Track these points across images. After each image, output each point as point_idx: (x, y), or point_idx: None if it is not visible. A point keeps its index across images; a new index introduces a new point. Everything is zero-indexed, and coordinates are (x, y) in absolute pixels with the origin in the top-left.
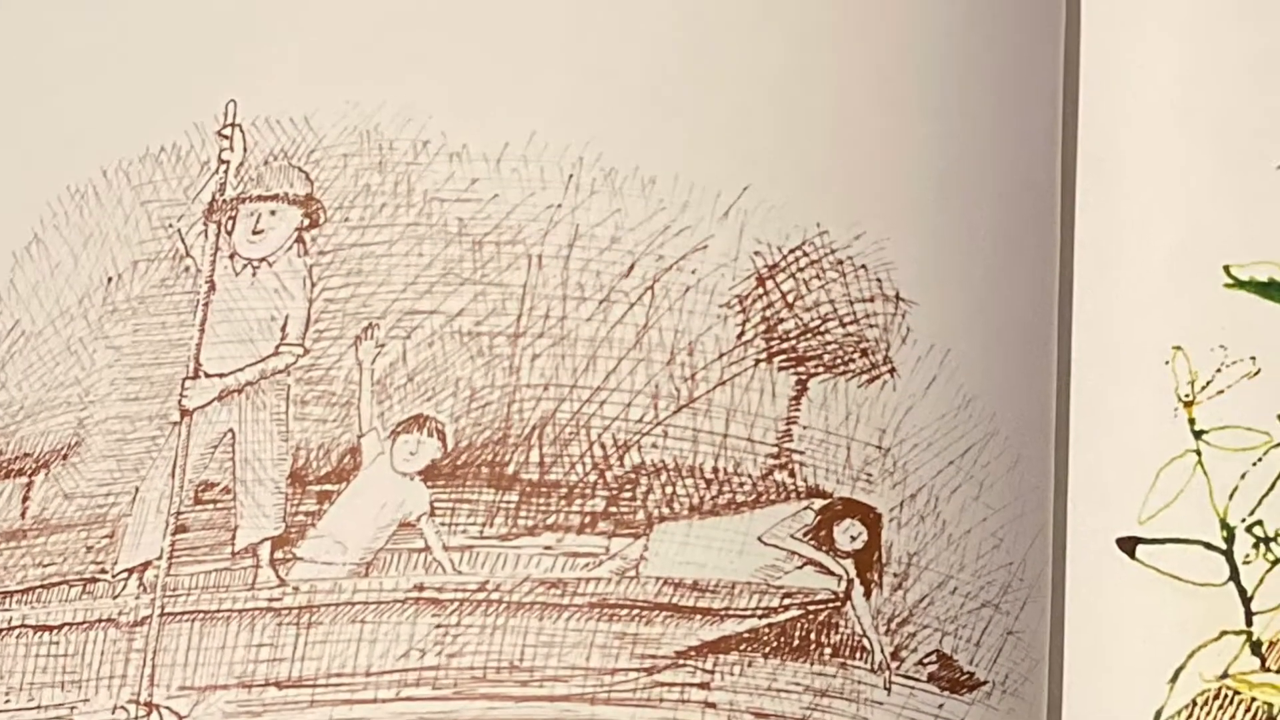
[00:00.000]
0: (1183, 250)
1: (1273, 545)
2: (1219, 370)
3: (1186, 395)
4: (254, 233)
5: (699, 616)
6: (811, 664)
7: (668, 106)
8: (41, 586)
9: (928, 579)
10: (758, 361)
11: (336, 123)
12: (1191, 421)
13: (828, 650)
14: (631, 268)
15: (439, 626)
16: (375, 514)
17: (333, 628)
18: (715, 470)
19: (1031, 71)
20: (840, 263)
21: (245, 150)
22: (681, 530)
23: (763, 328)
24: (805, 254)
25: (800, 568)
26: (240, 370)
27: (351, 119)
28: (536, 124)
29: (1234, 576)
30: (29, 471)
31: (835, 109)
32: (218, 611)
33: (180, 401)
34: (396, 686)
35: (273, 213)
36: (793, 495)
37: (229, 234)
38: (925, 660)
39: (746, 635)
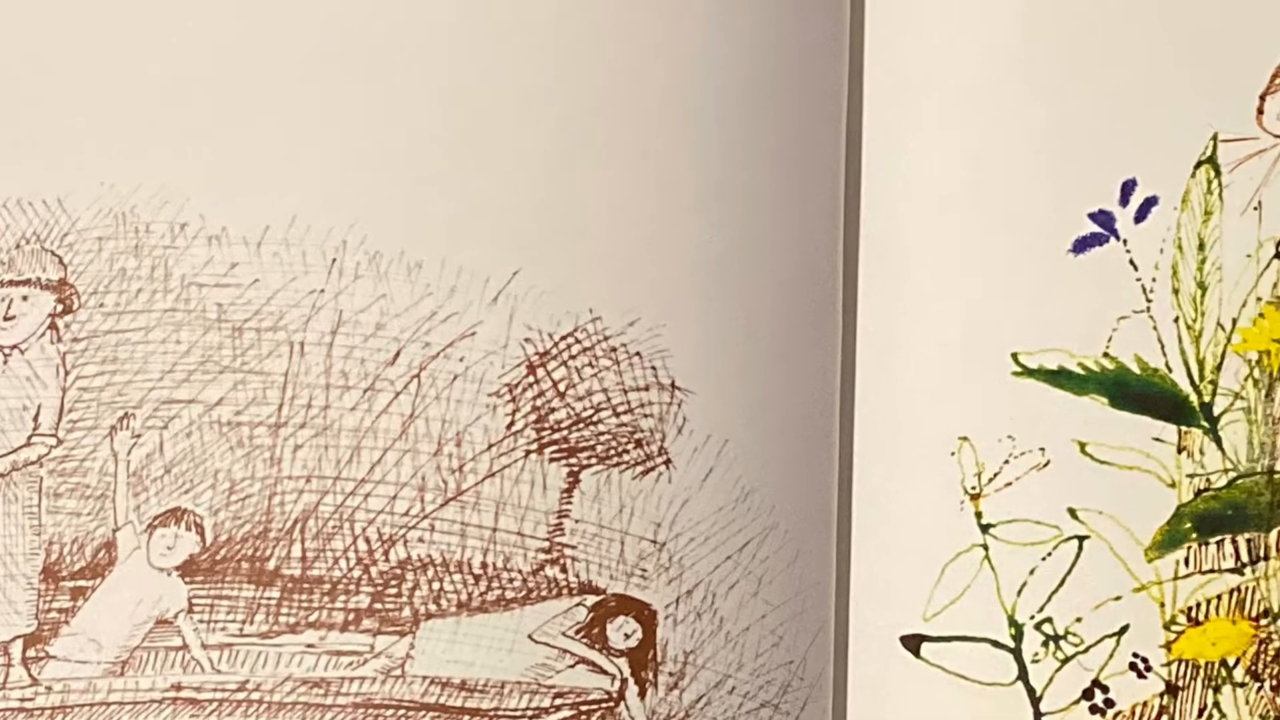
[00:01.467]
0: (969, 337)
1: (1062, 643)
2: (1007, 462)
3: (973, 488)
4: (5, 319)
5: (467, 717)
6: None
7: (434, 188)
8: None
9: (705, 678)
10: (528, 453)
11: (91, 205)
12: (978, 515)
13: None
14: (397, 355)
15: None
16: (131, 611)
17: None
18: (484, 565)
19: (812, 152)
20: (614, 350)
21: None
22: (449, 628)
23: (533, 418)
24: (577, 341)
25: (572, 667)
26: None
27: (106, 201)
28: (298, 206)
29: (1022, 675)
30: None
31: (607, 191)
32: None
33: None
34: None
35: (25, 298)
36: (564, 591)
37: None
38: None
39: None
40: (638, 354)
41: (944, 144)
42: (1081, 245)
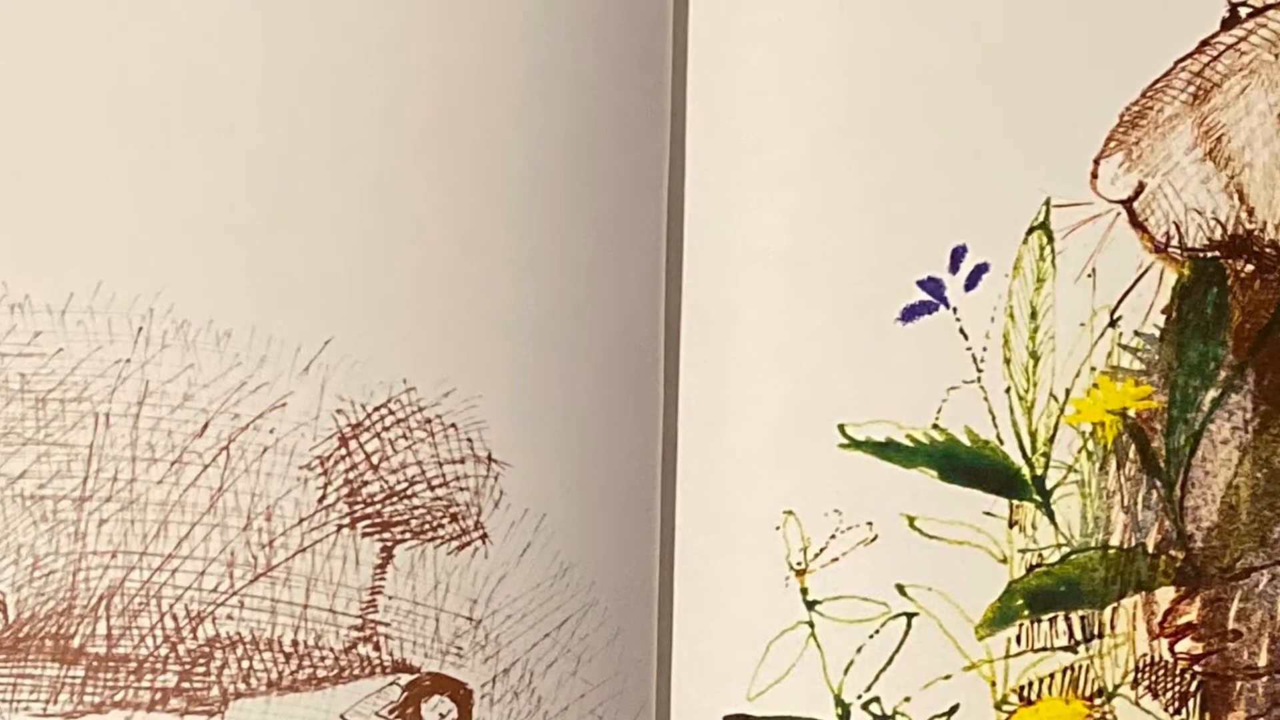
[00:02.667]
0: (794, 408)
1: None
2: (833, 536)
3: (799, 563)
4: None
5: None
6: None
7: (242, 254)
8: None
9: None
10: (340, 527)
11: None
12: (804, 591)
13: None
14: (205, 427)
15: None
16: None
17: None
18: (295, 643)
19: (633, 217)
20: (428, 421)
21: None
22: (259, 707)
23: (345, 491)
24: (391, 412)
25: None
26: None
27: None
28: (103, 274)
29: None
30: None
31: (421, 257)
32: None
33: None
34: None
35: None
36: (378, 670)
37: None
38: None
39: None
40: (453, 425)
41: (768, 208)
42: (910, 313)
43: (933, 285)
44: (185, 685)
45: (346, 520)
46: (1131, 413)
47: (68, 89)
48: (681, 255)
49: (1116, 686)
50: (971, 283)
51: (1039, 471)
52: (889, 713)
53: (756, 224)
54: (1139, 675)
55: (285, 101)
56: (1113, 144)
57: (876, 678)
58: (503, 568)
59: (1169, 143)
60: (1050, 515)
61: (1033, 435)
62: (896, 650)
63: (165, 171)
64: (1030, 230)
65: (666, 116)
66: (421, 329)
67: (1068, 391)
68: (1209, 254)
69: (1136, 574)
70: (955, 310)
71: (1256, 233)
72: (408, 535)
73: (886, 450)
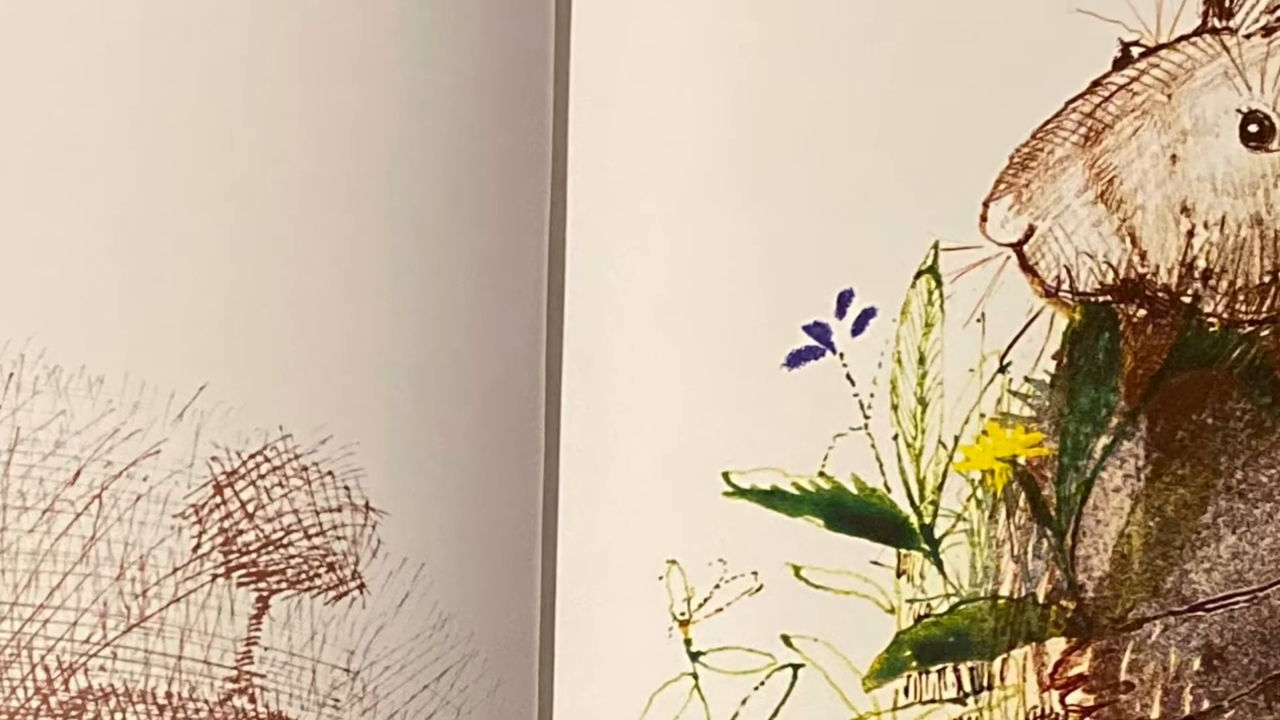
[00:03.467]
0: (678, 455)
1: None
2: (718, 586)
3: (682, 613)
4: None
5: None
6: None
7: (114, 299)
8: None
9: None
10: (215, 576)
11: None
12: (688, 642)
13: None
14: (77, 474)
15: None
16: None
17: None
18: (169, 695)
19: (513, 261)
20: (305, 469)
21: None
22: None
23: (221, 540)
24: (267, 459)
25: None
26: None
27: None
28: None
29: None
30: None
31: (297, 302)
32: None
33: None
34: None
35: None
36: None
37: None
38: None
39: None
40: (330, 473)
41: (652, 252)
42: (796, 359)
43: (819, 330)
44: None
45: (221, 570)
46: (1021, 460)
47: None
48: (563, 300)
49: None
50: (859, 328)
51: (927, 520)
52: None
53: (640, 268)
54: None
55: (159, 144)
56: (1002, 186)
57: None
58: (381, 618)
59: (1060, 185)
60: (939, 565)
61: (921, 483)
62: (782, 702)
63: (35, 215)
64: (918, 274)
65: (548, 158)
66: (298, 375)
67: (956, 438)
68: (1101, 298)
69: (1027, 624)
70: (842, 356)
71: (1149, 277)
72: (284, 585)
73: (772, 498)
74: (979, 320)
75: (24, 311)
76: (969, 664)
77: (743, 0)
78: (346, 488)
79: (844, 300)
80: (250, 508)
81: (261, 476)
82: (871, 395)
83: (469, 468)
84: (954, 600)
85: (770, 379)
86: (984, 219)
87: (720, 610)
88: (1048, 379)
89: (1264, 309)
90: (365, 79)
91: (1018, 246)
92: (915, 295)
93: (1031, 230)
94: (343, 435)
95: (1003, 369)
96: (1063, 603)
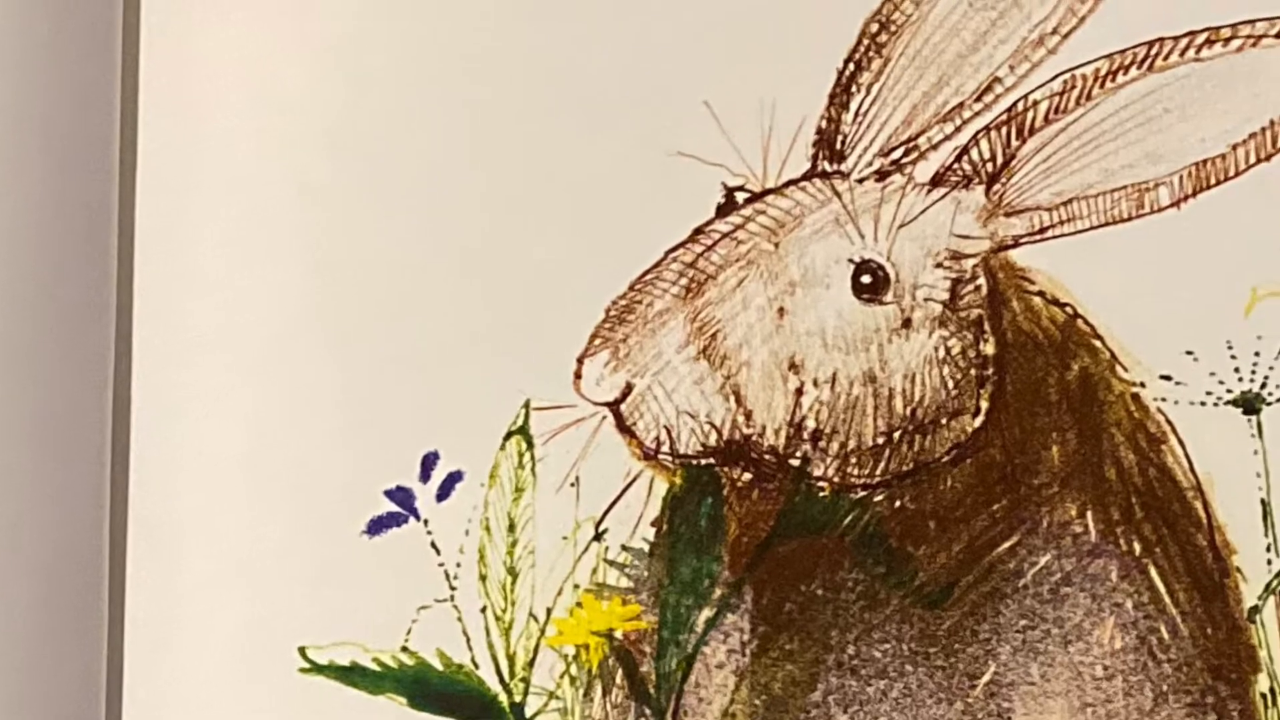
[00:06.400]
0: (251, 629)
1: None
2: None
3: None
4: None
5: None
6: None
7: None
8: None
9: None
10: None
11: None
12: None
13: None
14: None
15: None
16: None
17: None
18: None
19: (74, 423)
20: None
21: None
22: None
23: None
24: None
25: None
26: None
27: None
28: None
29: None
30: None
31: None
32: None
33: None
34: None
35: None
36: None
37: None
38: None
39: None
40: None
41: (224, 411)
42: (377, 526)
43: (402, 495)
44: None
45: None
46: (618, 634)
47: None
48: (128, 462)
49: None
50: (444, 492)
51: (518, 698)
52: None
53: (211, 427)
54: None
55: None
56: (598, 341)
57: None
58: None
59: (660, 340)
60: None
61: (511, 659)
62: None
63: None
64: (508, 435)
65: (112, 311)
66: None
67: (549, 611)
68: (703, 461)
69: None
70: (426, 522)
71: (755, 438)
72: None
73: (351, 675)
74: (573, 484)
75: None
76: None
77: (320, 142)
78: None
79: (429, 463)
80: None
81: None
82: (458, 565)
83: (28, 643)
84: None
85: (350, 547)
86: (578, 376)
87: None
88: (646, 547)
89: (877, 472)
90: None
91: (614, 406)
92: (505, 458)
93: (629, 388)
94: None
95: (598, 537)
96: None
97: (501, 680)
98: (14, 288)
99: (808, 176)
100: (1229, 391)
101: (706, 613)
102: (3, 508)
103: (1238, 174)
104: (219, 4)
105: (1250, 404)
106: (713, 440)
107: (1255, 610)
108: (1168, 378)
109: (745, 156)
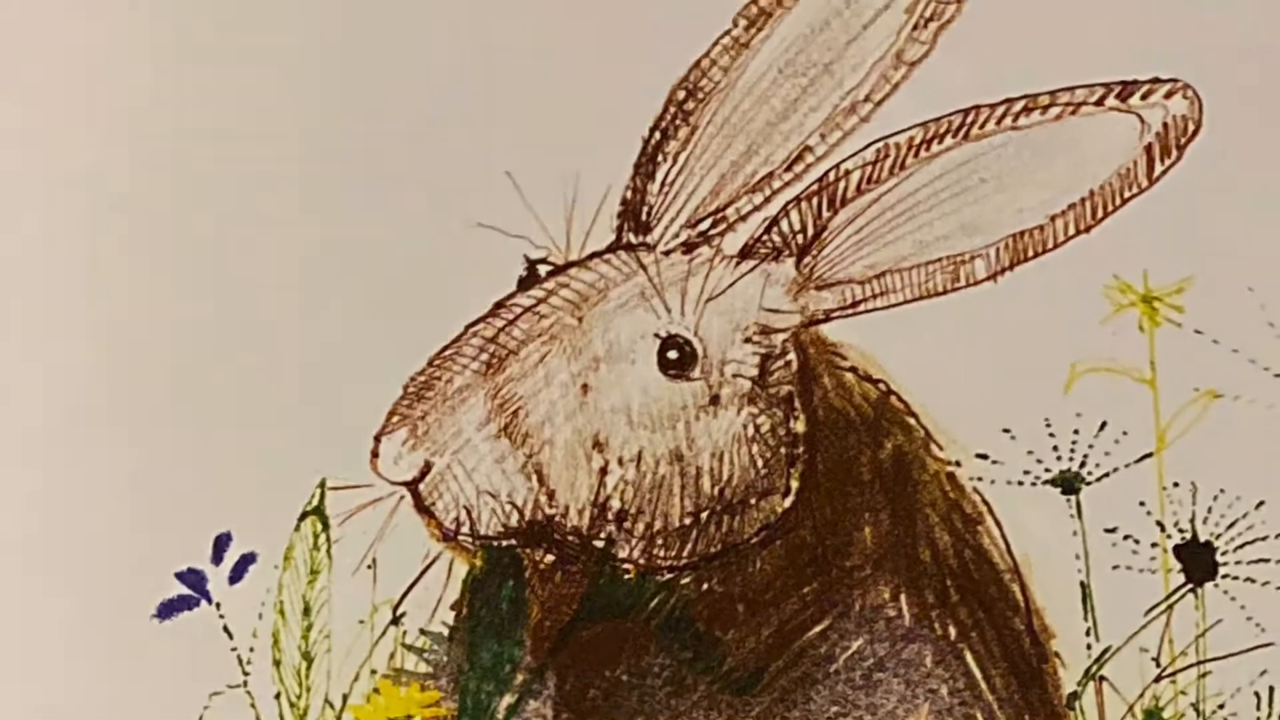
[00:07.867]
0: (38, 717)
1: None
2: None
3: None
4: None
5: None
6: None
7: None
8: None
9: None
10: None
11: None
12: None
13: None
14: None
15: None
16: None
17: None
18: None
19: None
20: None
21: None
22: None
23: None
24: None
25: None
26: None
27: None
28: None
29: None
30: None
31: None
32: None
33: None
34: None
35: None
36: None
37: None
38: None
39: None
40: None
41: (7, 491)
42: (168, 609)
43: (193, 578)
44: None
45: None
46: None
47: None
48: None
49: None
50: (237, 575)
51: None
52: None
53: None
54: None
55: None
56: (395, 419)
57: None
58: None
59: (459, 417)
60: None
61: None
62: None
63: None
64: (303, 516)
65: None
66: None
67: (345, 697)
68: (504, 542)
69: None
70: (219, 605)
71: (558, 518)
72: None
73: None
74: (370, 567)
75: None
76: None
77: (109, 218)
78: None
79: (221, 544)
80: None
81: None
82: (251, 649)
83: None
84: None
85: (139, 632)
86: (375, 455)
87: None
88: (446, 631)
89: (684, 554)
90: None
91: (412, 485)
92: (299, 539)
93: (428, 467)
94: None
95: (396, 620)
96: None
97: None
98: None
99: (612, 249)
100: (1047, 471)
101: (508, 699)
102: None
103: (1056, 246)
104: (3, 77)
105: (1069, 483)
106: (514, 521)
107: (1075, 696)
108: (984, 456)
109: (548, 228)
